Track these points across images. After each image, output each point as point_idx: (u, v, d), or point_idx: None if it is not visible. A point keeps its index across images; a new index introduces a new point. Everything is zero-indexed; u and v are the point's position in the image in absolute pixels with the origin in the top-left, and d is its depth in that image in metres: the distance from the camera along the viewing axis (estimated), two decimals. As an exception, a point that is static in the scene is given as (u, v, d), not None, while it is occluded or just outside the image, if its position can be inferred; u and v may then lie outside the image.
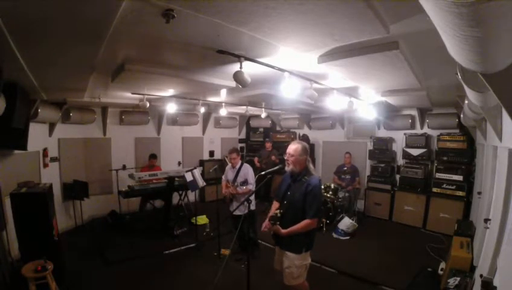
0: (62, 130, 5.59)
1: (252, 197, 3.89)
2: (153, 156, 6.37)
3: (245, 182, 4.19)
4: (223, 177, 4.54)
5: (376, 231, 5.80)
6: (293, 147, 2.60)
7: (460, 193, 5.42)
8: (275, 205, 2.80)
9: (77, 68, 2.90)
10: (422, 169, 5.95)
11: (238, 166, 4.32)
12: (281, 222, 2.50)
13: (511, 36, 0.77)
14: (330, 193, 6.05)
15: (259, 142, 8.87)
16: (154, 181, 5.70)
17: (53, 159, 5.41)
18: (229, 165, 4.44)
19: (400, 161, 6.49)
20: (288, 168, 2.63)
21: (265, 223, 2.60)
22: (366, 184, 6.82)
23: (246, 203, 2.91)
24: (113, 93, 4.93)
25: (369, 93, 4.45)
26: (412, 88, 3.89)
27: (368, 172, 6.99)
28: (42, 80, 3.28)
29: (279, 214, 2.48)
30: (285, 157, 2.65)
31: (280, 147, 8.09)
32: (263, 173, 2.85)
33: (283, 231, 2.48)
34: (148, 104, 4.73)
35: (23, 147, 3.99)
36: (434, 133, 6.05)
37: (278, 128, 9.15)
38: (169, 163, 7.38)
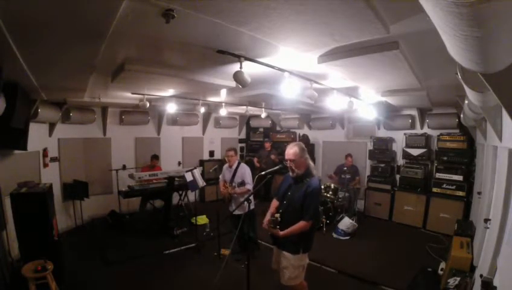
0: (62, 130, 5.59)
1: (252, 197, 3.88)
2: (155, 157, 6.38)
3: (242, 184, 4.15)
4: (220, 177, 4.52)
5: (376, 231, 5.80)
6: (291, 152, 2.56)
7: (460, 193, 5.42)
8: (274, 203, 2.80)
9: (77, 68, 2.90)
10: (422, 169, 5.95)
11: (235, 166, 4.29)
12: (280, 222, 2.50)
13: (511, 36, 0.77)
14: (330, 193, 6.05)
15: (259, 142, 8.87)
16: (154, 181, 5.70)
17: (53, 159, 5.41)
18: (226, 164, 4.41)
19: (400, 161, 6.49)
20: (293, 175, 2.60)
21: (266, 221, 2.60)
22: (366, 184, 6.82)
23: (245, 202, 2.91)
24: (113, 93, 4.92)
25: (369, 93, 4.45)
26: (412, 88, 3.89)
27: (368, 172, 6.99)
28: (42, 80, 3.27)
29: (279, 218, 2.48)
30: (287, 165, 2.61)
31: (280, 147, 8.10)
32: (263, 173, 2.85)
33: (280, 232, 2.48)
34: (148, 104, 4.73)
35: (23, 147, 3.99)
36: (434, 133, 6.05)
37: (278, 128, 9.15)
38: (170, 163, 7.38)
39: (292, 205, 2.55)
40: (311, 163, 2.65)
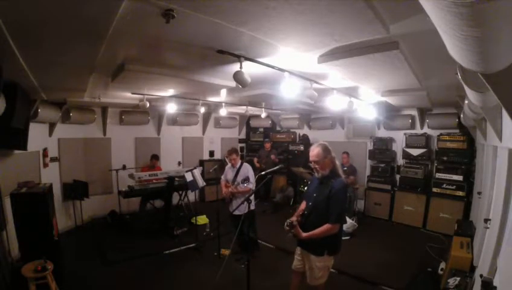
0: (62, 130, 5.59)
1: (252, 197, 3.89)
2: (155, 157, 6.37)
3: (246, 180, 4.17)
4: (222, 177, 4.53)
5: (376, 231, 5.81)
6: (314, 153, 2.52)
7: (460, 193, 5.41)
8: (303, 205, 2.78)
9: (77, 68, 2.90)
10: (422, 169, 5.95)
11: (237, 166, 4.33)
12: (305, 224, 2.49)
13: (511, 36, 0.77)
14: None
15: (259, 142, 8.87)
16: (154, 181, 5.70)
17: (53, 159, 5.41)
18: (229, 164, 4.44)
19: (400, 161, 6.49)
20: (318, 175, 2.57)
21: (293, 218, 2.60)
22: (366, 184, 6.81)
23: (245, 202, 2.91)
24: (113, 93, 4.92)
25: (369, 93, 4.45)
26: (412, 88, 3.89)
27: (368, 172, 6.99)
28: (42, 80, 3.27)
29: (294, 223, 2.46)
30: (312, 166, 2.58)
31: (280, 147, 8.08)
32: (263, 173, 2.85)
33: (303, 234, 2.44)
34: (148, 104, 4.73)
35: (23, 147, 3.98)
36: (434, 133, 6.04)
37: (278, 128, 9.15)
38: (170, 163, 7.38)
39: (317, 207, 2.51)
40: (337, 163, 2.59)
